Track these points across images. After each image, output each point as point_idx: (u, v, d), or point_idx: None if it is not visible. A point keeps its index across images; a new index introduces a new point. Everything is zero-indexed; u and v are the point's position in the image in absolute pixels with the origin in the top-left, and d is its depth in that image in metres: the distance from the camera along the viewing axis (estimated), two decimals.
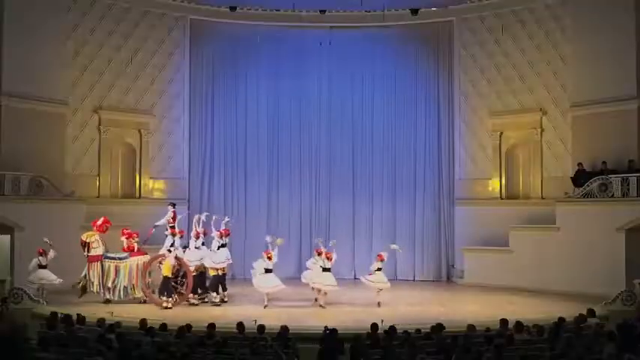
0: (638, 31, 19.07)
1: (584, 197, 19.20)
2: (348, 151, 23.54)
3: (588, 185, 19.08)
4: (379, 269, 17.18)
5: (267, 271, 16.44)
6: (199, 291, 16.84)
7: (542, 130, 21.24)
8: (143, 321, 11.55)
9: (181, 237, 17.17)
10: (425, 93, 23.27)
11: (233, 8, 22.13)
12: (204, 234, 17.30)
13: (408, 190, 23.17)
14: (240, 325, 11.44)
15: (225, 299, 16.88)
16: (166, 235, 16.85)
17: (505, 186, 22.04)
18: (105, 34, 21.29)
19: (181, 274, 16.68)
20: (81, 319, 11.91)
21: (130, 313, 14.49)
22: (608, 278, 17.37)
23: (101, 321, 11.51)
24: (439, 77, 23.18)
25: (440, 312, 15.97)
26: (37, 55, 19.44)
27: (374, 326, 11.57)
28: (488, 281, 20.41)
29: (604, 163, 19.19)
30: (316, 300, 16.89)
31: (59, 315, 11.93)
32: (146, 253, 16.86)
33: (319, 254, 17.07)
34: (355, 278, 22.92)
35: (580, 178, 19.52)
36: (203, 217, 17.42)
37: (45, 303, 15.28)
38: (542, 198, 21.01)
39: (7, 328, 10.76)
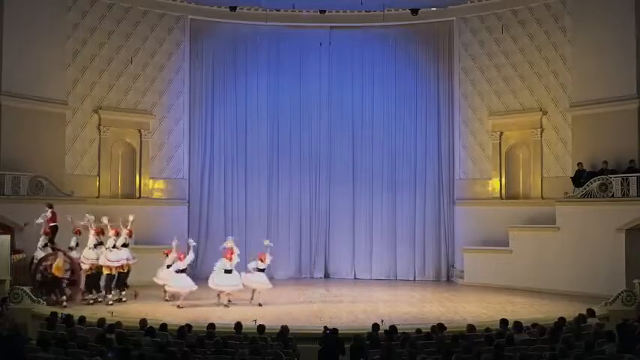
0: (638, 31, 19.06)
1: (584, 197, 19.20)
2: (348, 153, 23.52)
3: (588, 185, 19.09)
4: (261, 270, 17.04)
5: (227, 272, 16.51)
6: (94, 291, 16.61)
7: (542, 130, 21.23)
8: (143, 321, 11.57)
9: (79, 235, 17.03)
10: (425, 93, 23.25)
11: (233, 8, 22.10)
12: (102, 233, 16.99)
13: (408, 190, 23.16)
14: (238, 325, 11.45)
15: (123, 299, 16.71)
16: (41, 235, 16.56)
17: (505, 186, 22.03)
18: (105, 33, 21.30)
19: (70, 271, 16.61)
20: (81, 319, 11.91)
21: (130, 313, 14.50)
22: (608, 278, 17.37)
23: (101, 321, 11.51)
24: (439, 77, 23.16)
25: (440, 312, 15.99)
26: (37, 55, 19.47)
27: (375, 326, 11.59)
28: (489, 281, 20.42)
29: (605, 162, 19.19)
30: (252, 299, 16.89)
31: (60, 315, 11.93)
32: (22, 252, 16.71)
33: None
34: (355, 278, 23.01)
35: (580, 178, 19.53)
36: (90, 218, 17.09)
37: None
38: (542, 198, 20.99)
39: (7, 328, 10.75)
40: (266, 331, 11.41)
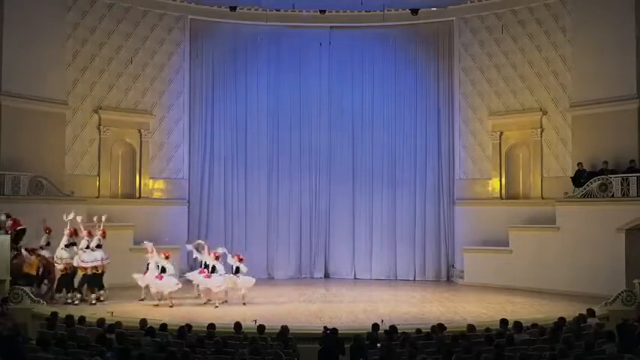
0: (638, 31, 19.06)
1: (584, 197, 19.20)
2: (348, 153, 23.50)
3: (588, 185, 19.09)
4: (237, 268, 16.93)
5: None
6: (65, 291, 16.49)
7: (542, 130, 21.23)
8: (143, 321, 11.57)
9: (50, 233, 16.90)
10: (425, 93, 23.25)
11: (233, 8, 22.09)
12: (75, 234, 16.82)
13: (408, 190, 23.15)
14: (237, 325, 11.45)
15: (102, 298, 16.63)
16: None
17: (505, 186, 22.02)
18: (105, 33, 21.28)
19: (42, 271, 16.56)
20: (81, 319, 11.91)
21: (129, 313, 14.50)
22: (608, 278, 17.35)
23: (101, 321, 11.51)
24: (439, 77, 23.15)
25: (440, 312, 15.99)
26: (37, 55, 19.44)
27: (375, 326, 11.59)
28: (489, 281, 20.41)
29: (605, 162, 19.18)
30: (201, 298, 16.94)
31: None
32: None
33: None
34: (355, 278, 23.01)
35: (580, 178, 19.53)
36: (71, 216, 16.90)
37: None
38: (542, 198, 20.99)
39: (8, 327, 10.74)
40: (266, 331, 11.41)
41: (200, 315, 14.88)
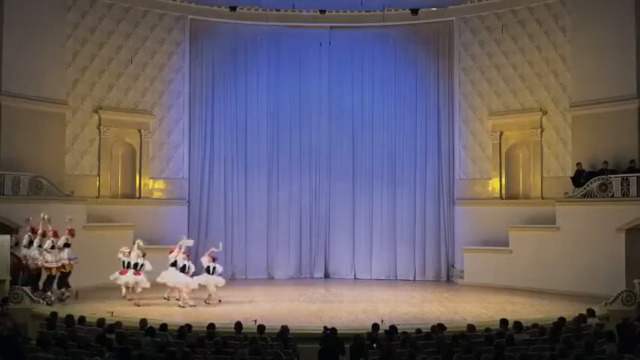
0: (638, 30, 19.07)
1: (584, 197, 19.20)
2: (348, 153, 23.50)
3: (588, 185, 19.09)
4: (214, 268, 16.89)
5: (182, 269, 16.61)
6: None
7: (542, 130, 21.23)
8: (143, 321, 11.57)
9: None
10: (425, 93, 23.25)
11: (233, 8, 22.09)
12: (44, 235, 16.58)
13: (408, 191, 23.14)
14: (238, 325, 11.45)
15: (64, 297, 16.44)
16: None
17: (505, 186, 22.02)
18: (105, 33, 21.28)
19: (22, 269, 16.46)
20: (81, 319, 11.92)
21: (129, 313, 14.50)
22: (608, 278, 17.36)
23: (101, 321, 11.51)
24: (439, 77, 23.15)
25: (440, 312, 15.99)
26: (37, 55, 19.44)
27: (375, 326, 11.59)
28: (489, 281, 20.42)
29: (605, 162, 19.18)
30: (167, 299, 16.76)
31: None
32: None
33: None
34: (355, 278, 23.01)
35: (579, 178, 19.53)
36: (46, 217, 16.74)
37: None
38: (542, 198, 20.99)
39: (8, 327, 10.74)
40: (266, 331, 11.42)
41: (200, 315, 14.87)
